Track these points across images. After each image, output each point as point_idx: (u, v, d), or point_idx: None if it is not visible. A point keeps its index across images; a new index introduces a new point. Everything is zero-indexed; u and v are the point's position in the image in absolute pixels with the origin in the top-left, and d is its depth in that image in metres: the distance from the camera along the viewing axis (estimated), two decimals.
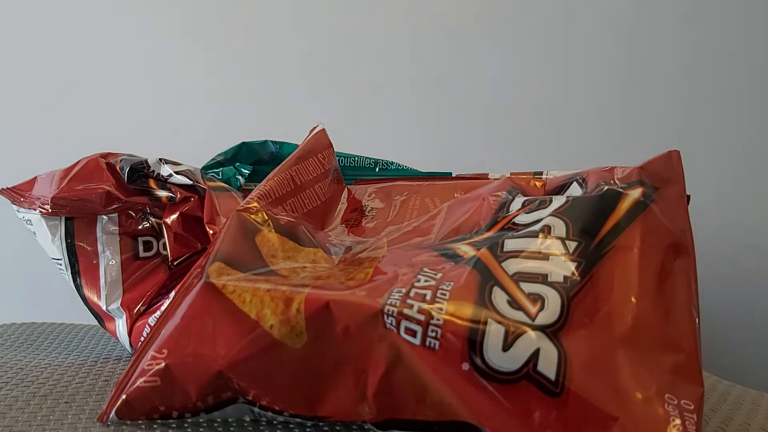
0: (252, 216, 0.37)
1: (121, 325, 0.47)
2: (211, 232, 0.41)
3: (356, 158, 0.54)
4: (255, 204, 0.38)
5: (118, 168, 0.46)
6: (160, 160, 0.45)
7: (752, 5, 0.78)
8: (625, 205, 0.35)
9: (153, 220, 0.48)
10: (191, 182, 0.45)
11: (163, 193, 0.46)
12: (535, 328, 0.30)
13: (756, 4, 0.78)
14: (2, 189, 0.49)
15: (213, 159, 0.53)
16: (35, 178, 0.49)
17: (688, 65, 0.79)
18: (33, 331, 0.56)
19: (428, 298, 0.31)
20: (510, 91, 0.82)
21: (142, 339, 0.46)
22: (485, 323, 0.30)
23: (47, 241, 0.47)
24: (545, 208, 0.37)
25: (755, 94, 0.78)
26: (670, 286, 0.33)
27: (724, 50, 0.79)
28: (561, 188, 0.42)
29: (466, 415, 0.32)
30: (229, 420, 0.35)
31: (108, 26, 0.86)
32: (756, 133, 0.78)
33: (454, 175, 0.51)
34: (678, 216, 0.35)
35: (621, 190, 0.35)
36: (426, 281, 0.32)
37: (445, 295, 0.31)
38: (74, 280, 0.47)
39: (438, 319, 0.30)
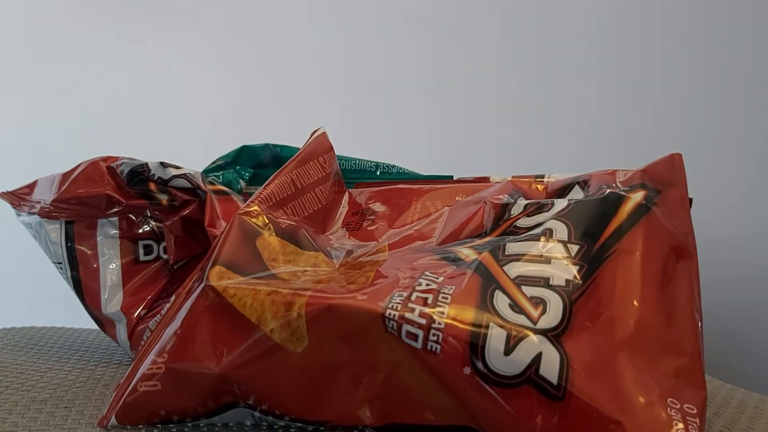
0: (253, 219, 0.37)
1: (121, 329, 0.47)
2: (211, 235, 0.41)
3: (357, 161, 0.54)
4: (256, 207, 0.38)
5: (118, 171, 0.46)
6: (161, 163, 0.45)
7: (754, 7, 0.78)
8: (627, 208, 0.34)
9: (153, 223, 0.47)
10: (192, 186, 0.45)
11: (163, 197, 0.46)
12: (537, 331, 0.30)
13: (758, 6, 0.78)
14: (2, 192, 0.49)
15: (214, 162, 0.53)
16: (35, 181, 0.49)
17: (690, 67, 0.79)
18: (33, 335, 0.56)
19: (429, 301, 0.31)
20: (511, 93, 0.82)
21: (142, 343, 0.46)
22: (487, 327, 0.30)
23: (47, 244, 0.47)
24: (547, 211, 0.37)
25: (757, 96, 0.78)
26: (672, 289, 0.33)
27: (727, 52, 0.78)
28: (563, 191, 0.42)
29: (468, 419, 0.32)
30: (230, 424, 0.35)
31: (108, 27, 0.87)
32: (758, 135, 0.78)
33: (455, 179, 0.50)
34: (680, 219, 0.35)
35: (623, 193, 0.35)
36: (427, 285, 0.32)
37: (446, 298, 0.31)
38: (74, 284, 0.47)
39: (439, 323, 0.30)
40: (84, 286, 0.47)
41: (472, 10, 0.82)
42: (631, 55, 0.80)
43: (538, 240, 0.34)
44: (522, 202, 0.39)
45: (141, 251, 0.47)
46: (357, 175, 0.53)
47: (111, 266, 0.47)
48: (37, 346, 0.52)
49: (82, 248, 0.47)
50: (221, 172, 0.52)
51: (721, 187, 0.78)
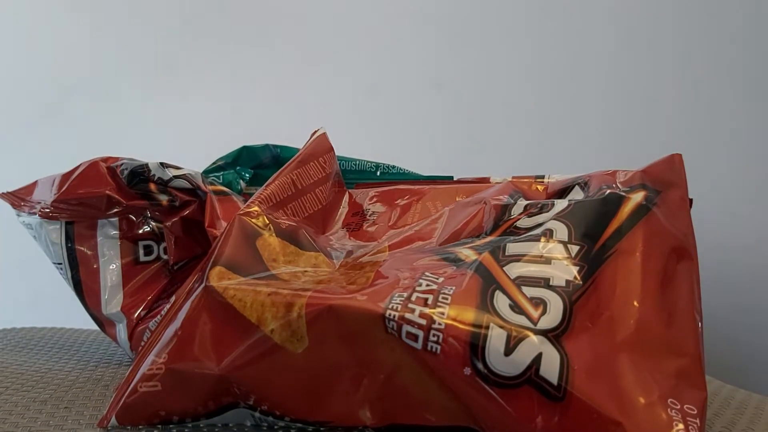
0: (253, 220, 0.37)
1: (121, 330, 0.47)
2: (211, 236, 0.41)
3: (357, 162, 0.54)
4: (256, 208, 0.38)
5: (118, 172, 0.46)
6: (161, 164, 0.45)
7: (754, 8, 0.78)
8: (627, 208, 0.34)
9: (154, 224, 0.47)
10: (192, 186, 0.45)
11: (163, 197, 0.46)
12: (537, 332, 0.30)
13: (758, 6, 0.78)
14: (3, 193, 0.49)
15: (214, 163, 0.53)
16: (36, 182, 0.49)
17: (690, 68, 0.79)
18: (33, 335, 0.56)
19: (430, 302, 0.31)
20: (512, 94, 0.82)
21: (142, 344, 0.46)
22: (487, 328, 0.30)
23: (47, 245, 0.47)
24: (547, 211, 0.37)
25: (758, 96, 0.78)
26: (672, 290, 0.33)
27: (728, 52, 0.78)
28: (563, 192, 0.42)
29: (468, 420, 0.32)
30: (230, 425, 0.35)
31: (108, 27, 0.87)
32: (758, 135, 0.78)
33: (455, 179, 0.50)
34: (680, 220, 0.35)
35: (623, 193, 0.35)
36: (427, 285, 0.32)
37: (446, 299, 0.31)
38: (74, 285, 0.47)
39: (439, 324, 0.30)
40: (84, 286, 0.47)
41: (472, 10, 0.82)
42: (631, 56, 0.80)
43: (539, 240, 0.34)
44: (522, 202, 0.39)
45: (141, 252, 0.47)
46: (357, 175, 0.53)
47: (111, 267, 0.47)
48: (37, 347, 0.52)
49: (82, 249, 0.47)
50: (221, 173, 0.52)
51: (721, 188, 0.78)
